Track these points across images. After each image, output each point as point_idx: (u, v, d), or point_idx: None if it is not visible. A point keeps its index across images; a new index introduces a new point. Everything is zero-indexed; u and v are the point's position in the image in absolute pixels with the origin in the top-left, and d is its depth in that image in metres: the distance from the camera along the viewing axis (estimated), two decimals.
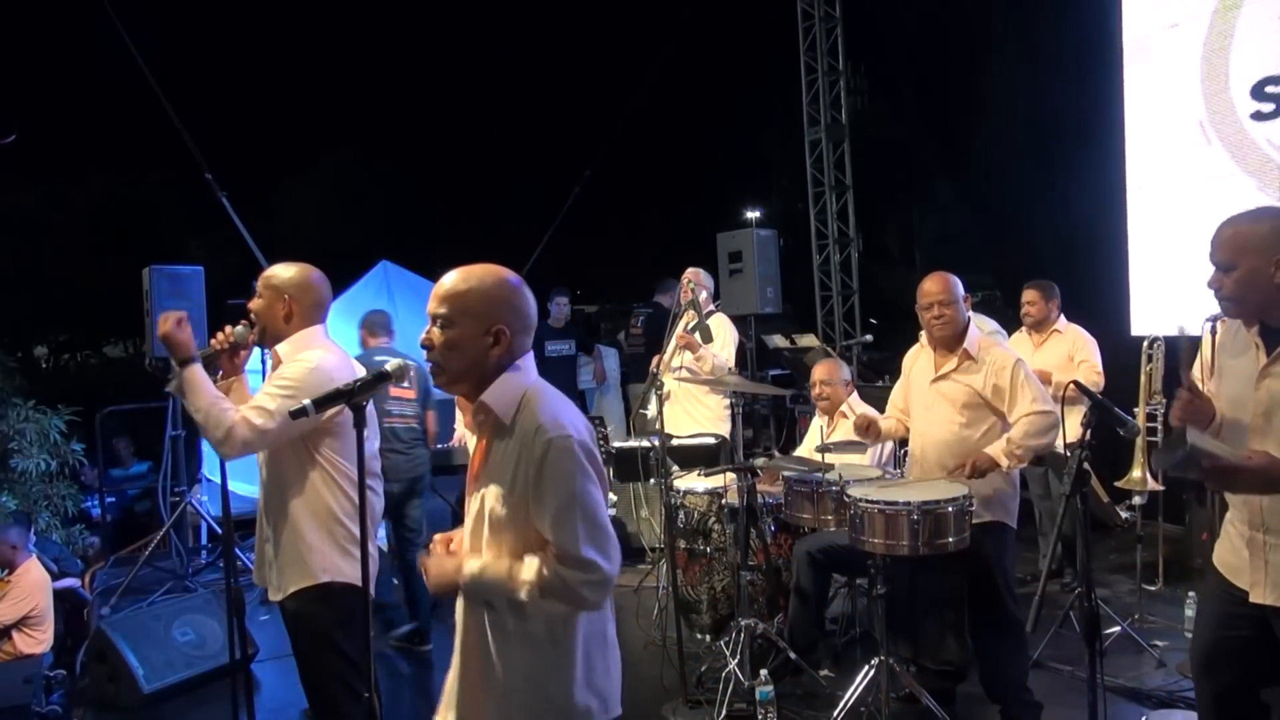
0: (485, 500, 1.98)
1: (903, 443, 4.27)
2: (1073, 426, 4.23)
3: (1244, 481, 2.29)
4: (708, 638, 4.63)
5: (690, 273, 5.37)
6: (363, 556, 2.10)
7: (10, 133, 5.46)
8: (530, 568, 1.88)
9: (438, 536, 2.11)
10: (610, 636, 2.05)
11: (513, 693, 1.95)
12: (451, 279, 1.97)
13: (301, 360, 2.79)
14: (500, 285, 1.97)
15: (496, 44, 15.73)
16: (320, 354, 2.81)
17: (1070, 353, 5.30)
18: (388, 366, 2.11)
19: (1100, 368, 5.24)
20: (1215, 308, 2.55)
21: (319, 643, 2.77)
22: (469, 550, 2.03)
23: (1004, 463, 3.48)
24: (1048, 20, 8.36)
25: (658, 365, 4.96)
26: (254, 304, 2.92)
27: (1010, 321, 6.21)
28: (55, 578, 5.14)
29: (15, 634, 4.60)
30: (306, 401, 2.05)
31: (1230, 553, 2.49)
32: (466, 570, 1.93)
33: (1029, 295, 5.44)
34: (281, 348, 2.87)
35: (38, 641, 4.65)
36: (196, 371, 2.70)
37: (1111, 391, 5.09)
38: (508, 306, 1.96)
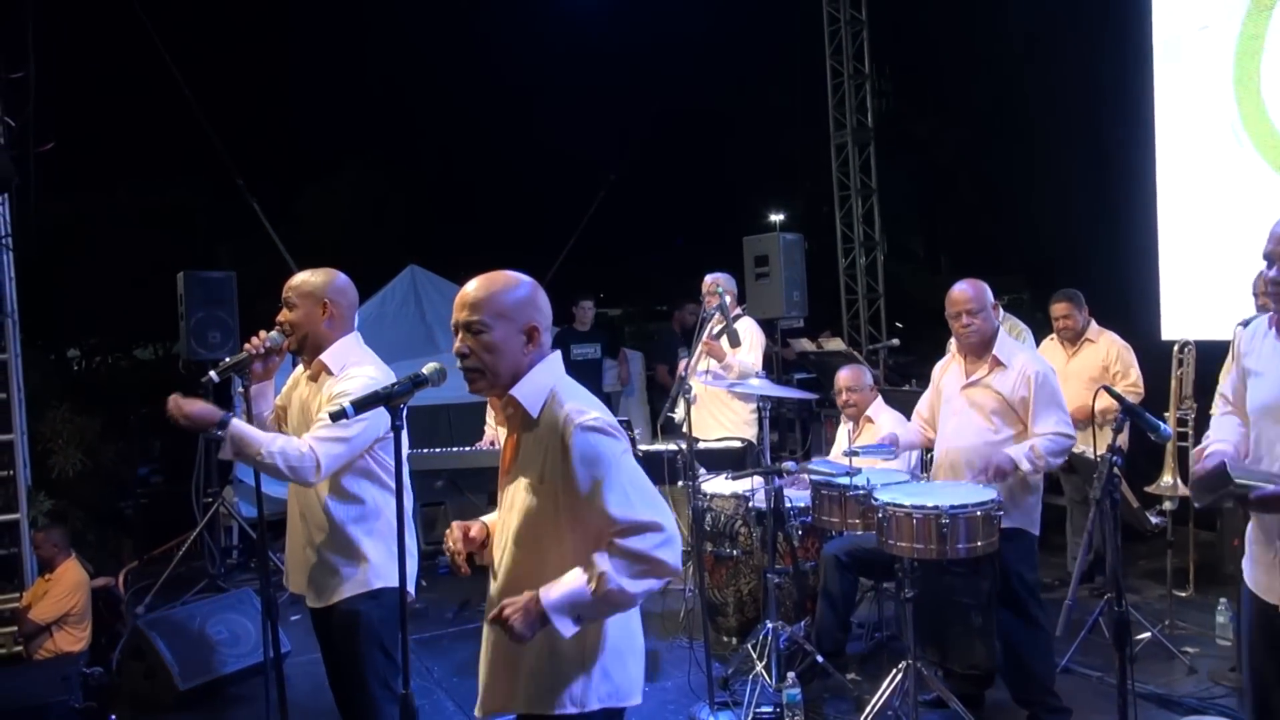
0: (517, 492, 2.07)
1: (927, 449, 4.27)
2: (1104, 431, 4.22)
3: None
4: (734, 640, 4.65)
5: (714, 278, 5.34)
6: (400, 554, 2.13)
7: (48, 141, 5.56)
8: (602, 560, 1.92)
9: (455, 524, 2.15)
10: (635, 626, 2.13)
11: (536, 675, 2.03)
12: (477, 286, 2.06)
13: (357, 377, 2.78)
14: (524, 286, 2.09)
15: (521, 48, 15.80)
16: (374, 371, 2.82)
17: (1105, 363, 5.21)
18: (423, 370, 2.14)
19: (1139, 380, 5.16)
20: (1244, 312, 2.54)
21: (368, 641, 2.80)
22: (499, 541, 2.13)
23: (1024, 467, 3.50)
24: (1076, 22, 8.30)
25: (685, 369, 4.98)
26: (289, 315, 2.90)
27: (1040, 326, 6.17)
28: (91, 577, 5.23)
29: (55, 632, 4.69)
30: (347, 404, 2.08)
31: (1260, 569, 2.46)
32: (544, 598, 1.92)
33: (1061, 309, 5.34)
34: (327, 358, 2.88)
35: (76, 639, 4.75)
36: (236, 427, 2.66)
37: (1143, 396, 5.07)
38: (534, 305, 2.08)
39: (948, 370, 3.85)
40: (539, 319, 2.07)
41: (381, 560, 2.83)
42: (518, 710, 2.08)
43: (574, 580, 1.93)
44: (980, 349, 3.67)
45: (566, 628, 1.93)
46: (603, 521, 1.95)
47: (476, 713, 2.17)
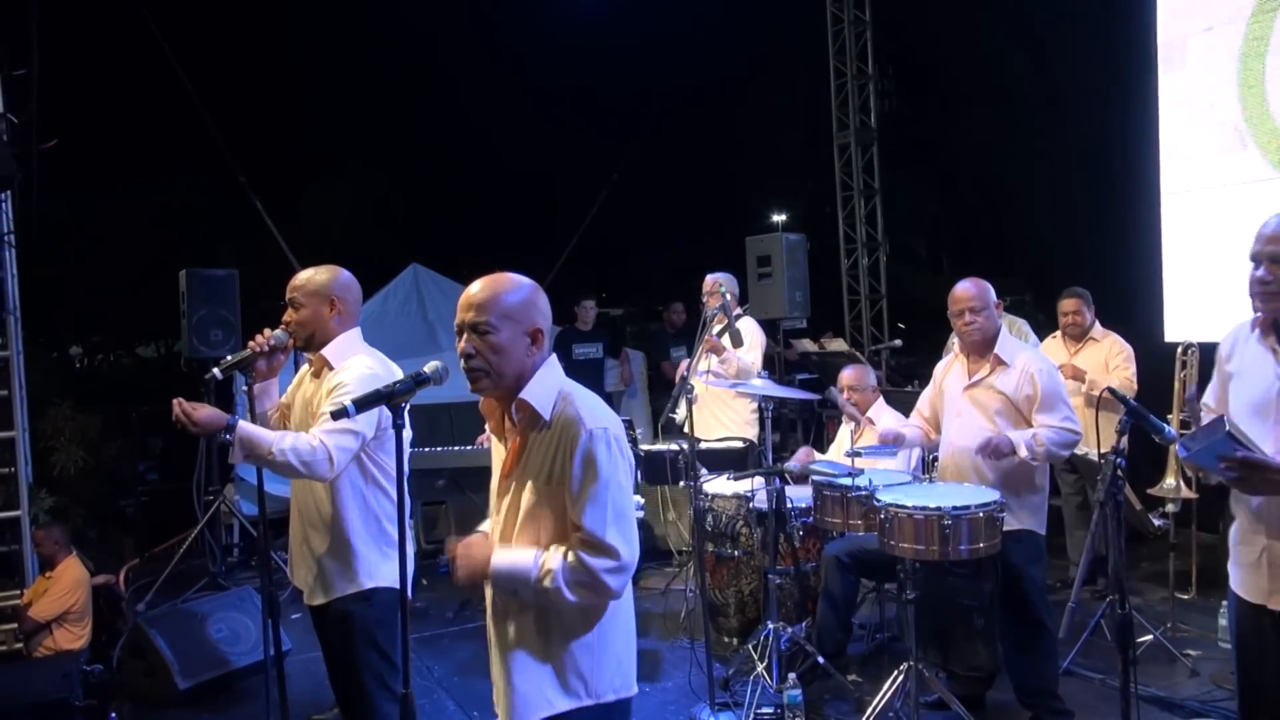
0: (520, 494, 2.08)
1: (931, 450, 4.27)
2: (1107, 432, 4.22)
3: (1269, 481, 2.25)
4: (735, 641, 4.64)
5: (715, 278, 5.33)
6: (400, 556, 2.13)
7: (51, 138, 5.56)
8: (555, 557, 1.99)
9: (451, 539, 2.16)
10: (632, 621, 2.18)
11: (552, 670, 2.05)
12: (483, 288, 2.07)
13: (353, 367, 2.80)
14: (527, 288, 2.10)
15: (523, 47, 15.80)
16: (369, 360, 2.84)
17: (1106, 359, 5.26)
18: (425, 369, 2.14)
19: (1134, 379, 5.17)
20: (1248, 314, 2.54)
21: (361, 641, 2.80)
22: (500, 544, 2.12)
23: (1022, 453, 3.49)
24: (1080, 22, 8.29)
25: (686, 369, 4.98)
26: (295, 315, 2.91)
27: (1042, 327, 6.17)
28: (91, 574, 5.23)
29: (56, 630, 4.69)
30: (348, 403, 2.08)
31: (1244, 570, 2.50)
32: (494, 561, 2.02)
33: (1070, 305, 5.37)
34: (328, 352, 2.89)
35: (76, 637, 4.74)
36: (244, 429, 2.65)
37: (1146, 398, 5.05)
38: (537, 307, 2.10)
39: (950, 371, 3.85)
40: (542, 321, 2.09)
41: (375, 561, 2.83)
42: (554, 711, 2.06)
43: (524, 560, 2.00)
44: (983, 348, 3.67)
45: (501, 595, 2.06)
46: (573, 522, 2.00)
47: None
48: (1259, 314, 2.49)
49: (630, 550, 2.00)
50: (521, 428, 2.09)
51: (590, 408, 2.05)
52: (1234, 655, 2.62)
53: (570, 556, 1.98)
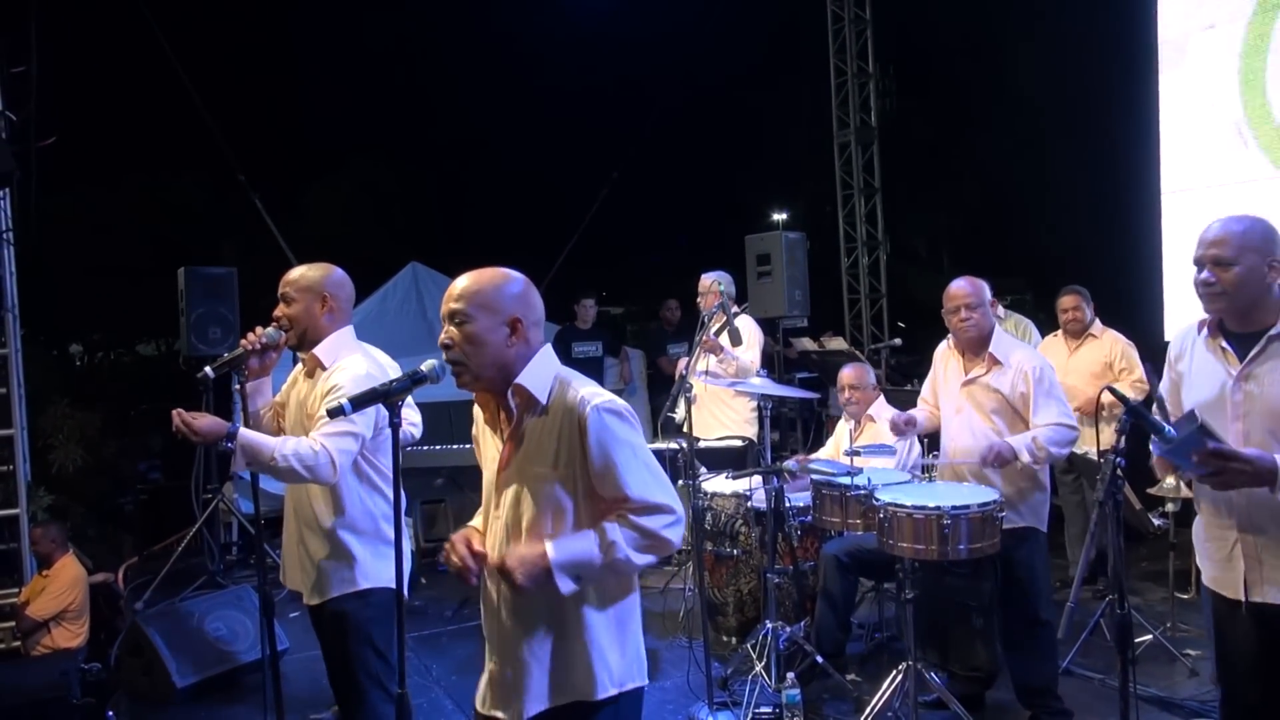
0: (525, 484, 2.08)
1: (931, 446, 4.25)
2: (1107, 433, 4.20)
3: (1237, 471, 2.24)
4: (734, 640, 4.63)
5: (714, 277, 5.30)
6: (396, 555, 2.12)
7: (50, 135, 5.56)
8: (613, 530, 2.00)
9: (454, 537, 2.14)
10: (638, 611, 2.18)
11: (570, 662, 2.05)
12: (463, 281, 2.10)
13: (348, 368, 2.79)
14: (510, 281, 2.11)
15: (526, 46, 15.79)
16: (364, 361, 2.83)
17: (1108, 359, 5.25)
18: (422, 367, 2.13)
19: (1144, 376, 5.17)
20: None
21: (357, 640, 2.79)
22: (497, 537, 2.12)
23: (1024, 458, 3.47)
24: (1081, 22, 8.29)
25: (685, 368, 4.96)
26: (288, 310, 2.90)
27: (1043, 325, 6.16)
28: (90, 572, 5.22)
29: (53, 628, 4.68)
30: (345, 401, 2.07)
31: (1215, 566, 2.50)
32: (553, 555, 1.98)
33: (1069, 301, 5.38)
34: (320, 351, 2.88)
35: (74, 635, 4.73)
36: (245, 436, 2.66)
37: (1145, 397, 5.05)
38: (519, 300, 2.10)
39: (948, 363, 3.83)
40: (525, 313, 2.08)
41: (370, 560, 2.82)
42: (552, 704, 2.06)
43: (583, 544, 2.00)
44: (978, 345, 3.67)
45: (566, 585, 1.99)
46: (616, 497, 2.01)
47: (500, 713, 2.10)
48: (1207, 316, 2.53)
49: (676, 500, 2.05)
50: (519, 415, 2.09)
51: (588, 388, 2.07)
52: (1213, 649, 2.63)
53: (628, 525, 2.01)
